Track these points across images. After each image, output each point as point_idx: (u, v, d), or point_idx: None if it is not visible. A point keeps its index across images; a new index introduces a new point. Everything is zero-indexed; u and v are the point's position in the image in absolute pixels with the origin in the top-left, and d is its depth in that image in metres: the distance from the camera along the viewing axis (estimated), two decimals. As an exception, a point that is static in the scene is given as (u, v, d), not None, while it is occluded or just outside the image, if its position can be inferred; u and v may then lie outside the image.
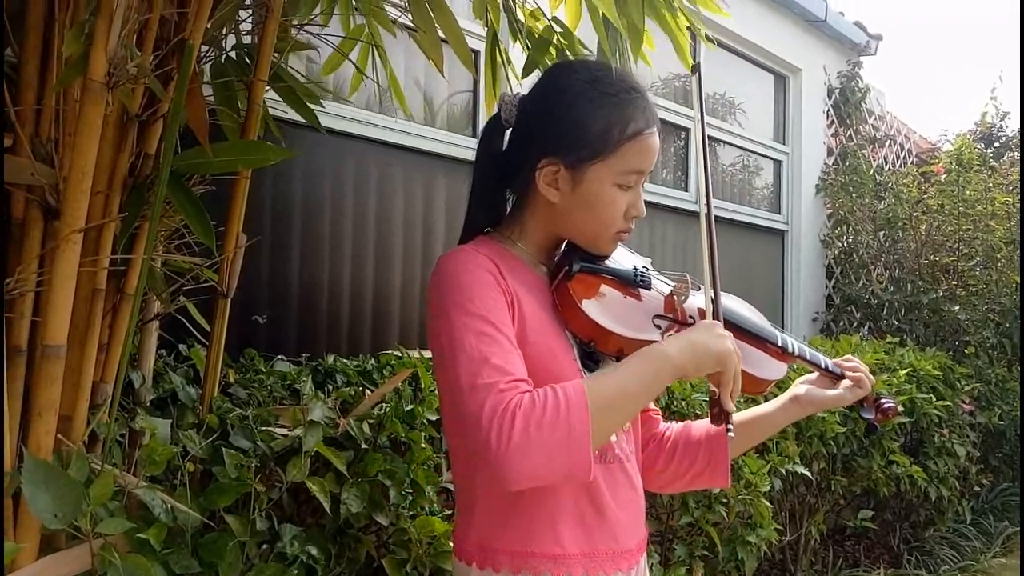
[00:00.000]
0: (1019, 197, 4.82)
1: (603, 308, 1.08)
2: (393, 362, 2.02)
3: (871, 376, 1.27)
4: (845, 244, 5.17)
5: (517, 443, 0.89)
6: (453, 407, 1.03)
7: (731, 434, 1.05)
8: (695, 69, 1.17)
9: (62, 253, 1.06)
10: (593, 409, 0.92)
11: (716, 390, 1.05)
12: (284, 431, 1.43)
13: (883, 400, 1.28)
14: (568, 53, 1.77)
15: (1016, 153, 6.42)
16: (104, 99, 1.07)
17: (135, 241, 1.30)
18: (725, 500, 2.33)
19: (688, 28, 1.62)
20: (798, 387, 1.30)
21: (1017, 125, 6.94)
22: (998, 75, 12.37)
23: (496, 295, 1.01)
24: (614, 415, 0.98)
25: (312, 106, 1.75)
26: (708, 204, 1.13)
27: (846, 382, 1.26)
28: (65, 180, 1.09)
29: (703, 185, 1.14)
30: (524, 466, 0.89)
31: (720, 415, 1.04)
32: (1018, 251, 4.83)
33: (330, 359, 2.01)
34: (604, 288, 1.11)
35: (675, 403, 2.38)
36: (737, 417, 1.30)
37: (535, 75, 1.68)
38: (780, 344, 1.21)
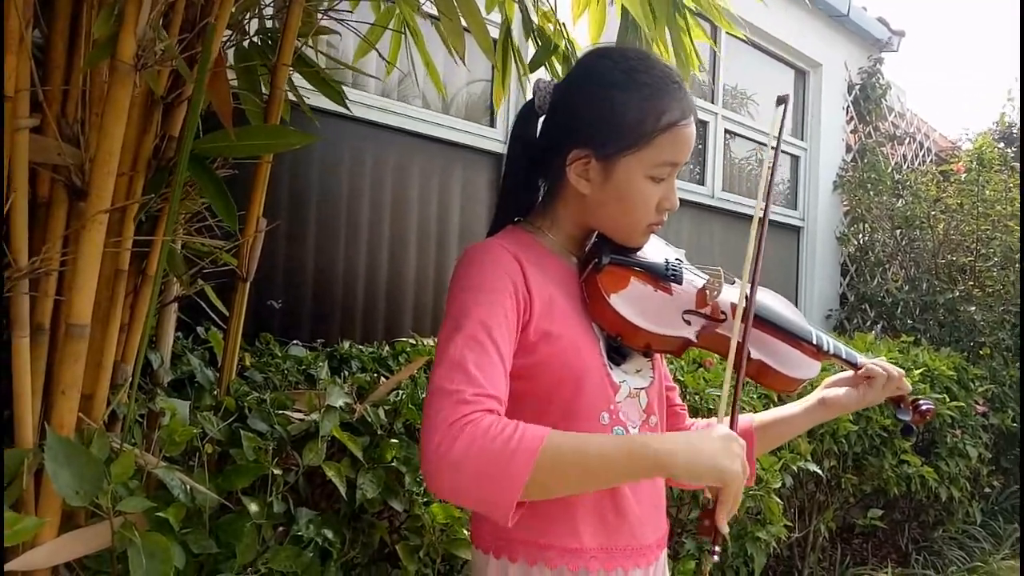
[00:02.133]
0: (1019, 197, 4.76)
1: (631, 302, 1.06)
2: (408, 349, 2.03)
3: (897, 375, 1.23)
4: (861, 242, 5.13)
5: (453, 458, 0.85)
6: None
7: (716, 558, 0.97)
8: (781, 100, 1.15)
9: (88, 233, 1.06)
10: (538, 464, 0.85)
11: (711, 501, 0.96)
12: (300, 415, 1.44)
13: (921, 401, 1.25)
14: (572, 61, 1.79)
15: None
16: (132, 80, 1.07)
17: (157, 223, 1.31)
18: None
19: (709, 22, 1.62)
20: (826, 390, 1.27)
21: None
22: (1015, 75, 12.25)
23: (506, 301, 0.98)
24: (562, 481, 0.89)
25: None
26: (765, 211, 1.10)
27: (876, 381, 1.22)
28: (91, 161, 1.10)
29: (763, 193, 1.11)
30: (447, 481, 0.86)
31: (709, 531, 0.94)
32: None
33: (345, 345, 2.01)
34: (634, 281, 1.09)
35: (688, 397, 2.38)
36: (761, 417, 1.28)
37: (541, 72, 1.69)
38: (815, 342, 1.19)
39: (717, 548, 0.96)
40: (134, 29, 1.06)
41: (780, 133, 1.12)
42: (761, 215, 1.11)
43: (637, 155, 1.04)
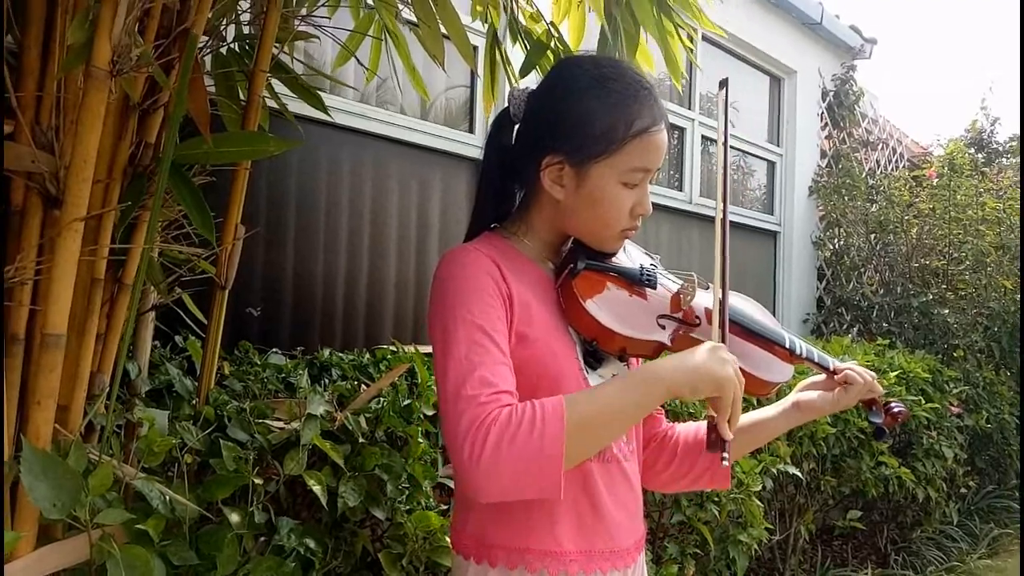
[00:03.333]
0: (1020, 197, 4.85)
1: (607, 307, 1.07)
2: (389, 356, 2.02)
3: (870, 378, 1.24)
4: (837, 246, 5.20)
5: (488, 459, 0.88)
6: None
7: (725, 463, 1.01)
8: (723, 84, 1.16)
9: (63, 242, 1.05)
10: (570, 426, 0.89)
11: (714, 415, 1.01)
12: (281, 424, 1.42)
13: (892, 404, 1.27)
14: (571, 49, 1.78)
15: (1008, 159, 6.48)
16: (107, 87, 1.06)
17: (134, 231, 1.29)
18: (717, 499, 2.34)
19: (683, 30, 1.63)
20: (800, 393, 1.29)
21: (1008, 132, 7.00)
22: (988, 85, 12.52)
23: (494, 301, 1.00)
24: (596, 433, 0.94)
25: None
26: (724, 209, 1.10)
27: (850, 386, 1.23)
28: (66, 168, 1.08)
29: (720, 190, 1.11)
30: (492, 483, 0.89)
31: (716, 442, 1.00)
32: (1006, 256, 4.88)
33: (325, 352, 2.00)
34: (609, 287, 1.10)
35: (669, 403, 2.39)
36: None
37: (533, 76, 1.69)
38: (788, 346, 1.20)
39: (726, 455, 1.00)
40: (109, 35, 1.04)
41: (726, 116, 1.13)
42: (722, 213, 1.12)
43: (609, 161, 1.05)
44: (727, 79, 1.17)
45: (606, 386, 0.98)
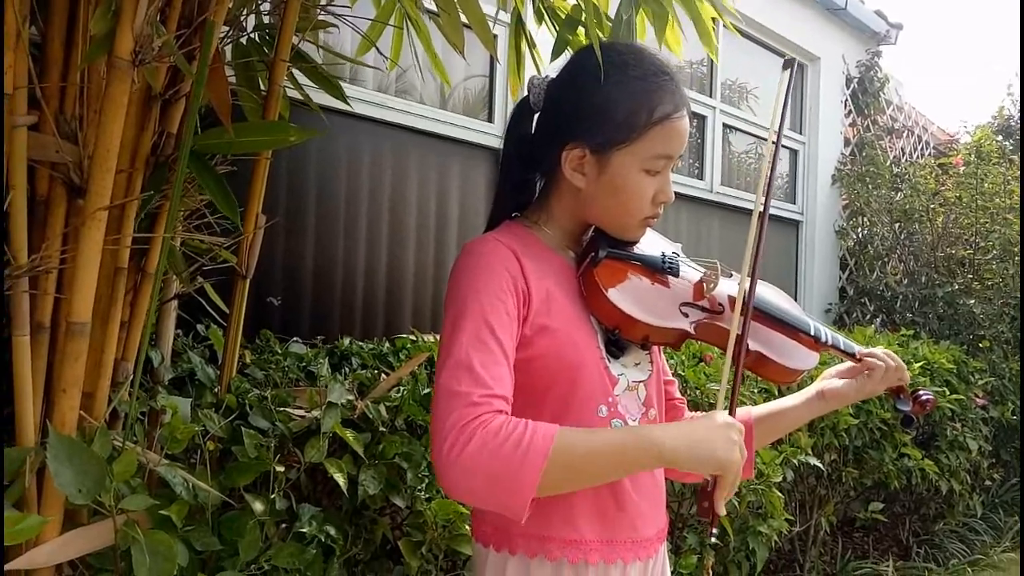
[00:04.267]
0: (1019, 191, 4.76)
1: (629, 295, 1.07)
2: (408, 345, 2.03)
3: (896, 363, 1.22)
4: (860, 235, 5.13)
5: (465, 461, 0.87)
6: None
7: (713, 539, 1.01)
8: (787, 65, 1.13)
9: (87, 231, 1.06)
10: (551, 462, 0.88)
11: (710, 482, 1.00)
12: (302, 412, 1.43)
13: (920, 392, 1.25)
14: (599, 33, 1.73)
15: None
16: (130, 77, 1.07)
17: (156, 220, 1.31)
18: (737, 490, 2.33)
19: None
20: (824, 382, 1.27)
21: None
22: (1016, 71, 12.29)
23: (506, 297, 0.99)
24: (575, 476, 0.93)
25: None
26: (767, 201, 1.09)
27: (874, 371, 1.22)
28: (90, 158, 1.09)
29: (764, 181, 1.10)
30: (461, 483, 0.89)
31: (707, 512, 0.99)
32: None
33: (345, 341, 2.01)
34: (631, 275, 1.09)
35: (688, 392, 2.38)
36: (759, 410, 1.29)
37: (563, 59, 1.65)
38: (813, 333, 1.19)
39: (714, 531, 1.01)
40: (131, 25, 1.05)
41: (787, 100, 1.10)
42: (763, 201, 1.10)
43: (631, 148, 1.05)
44: (793, 59, 1.13)
45: (604, 434, 0.97)
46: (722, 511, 0.98)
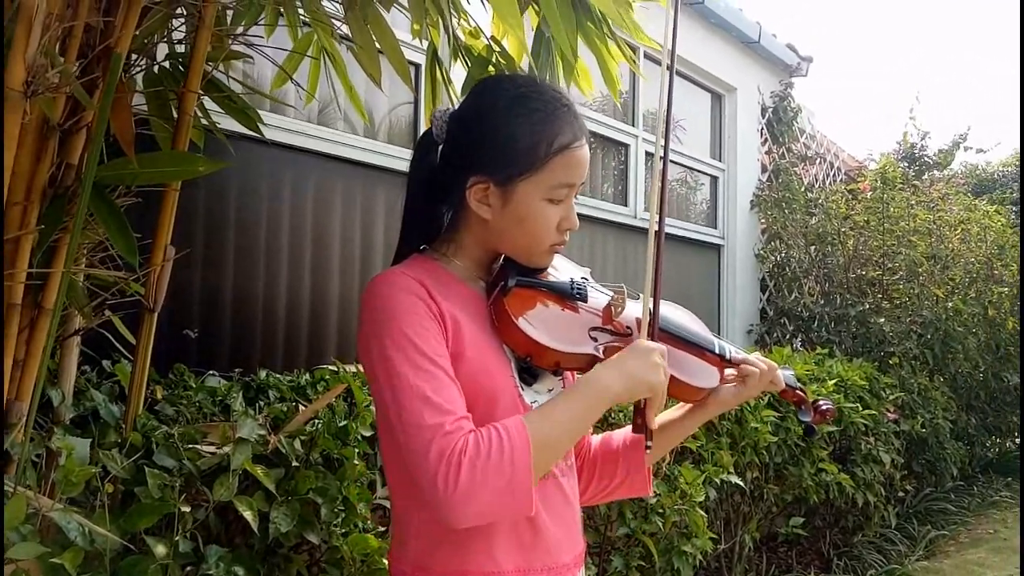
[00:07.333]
0: (1019, 204, 5.04)
1: (539, 323, 1.08)
2: (328, 377, 2.00)
3: (767, 367, 1.24)
4: (778, 258, 5.34)
5: (464, 488, 0.91)
6: (390, 434, 1.02)
7: (649, 450, 1.11)
8: None
9: (-27, 267, 1.01)
10: (534, 448, 0.95)
11: (643, 401, 1.09)
12: (213, 449, 1.39)
13: (820, 402, 1.31)
14: (507, 72, 1.79)
15: (938, 172, 6.75)
16: (22, 108, 1.04)
17: (55, 254, 1.26)
18: (661, 510, 2.37)
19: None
20: None
21: (936, 145, 7.30)
22: (915, 96, 13.15)
23: (429, 323, 1.01)
24: (555, 448, 1.00)
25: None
26: (662, 205, 1.15)
27: (751, 379, 1.22)
28: (-21, 191, 1.05)
29: (658, 174, 1.14)
30: (470, 509, 0.92)
31: (642, 427, 1.10)
32: (937, 266, 5.08)
33: (263, 374, 1.97)
34: (540, 303, 1.11)
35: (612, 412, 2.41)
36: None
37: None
38: (718, 351, 1.22)
39: (650, 443, 1.11)
40: (23, 54, 1.02)
41: (674, 38, 1.16)
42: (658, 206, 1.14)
43: (533, 179, 1.07)
44: None
45: (557, 402, 1.03)
46: (654, 425, 1.10)
